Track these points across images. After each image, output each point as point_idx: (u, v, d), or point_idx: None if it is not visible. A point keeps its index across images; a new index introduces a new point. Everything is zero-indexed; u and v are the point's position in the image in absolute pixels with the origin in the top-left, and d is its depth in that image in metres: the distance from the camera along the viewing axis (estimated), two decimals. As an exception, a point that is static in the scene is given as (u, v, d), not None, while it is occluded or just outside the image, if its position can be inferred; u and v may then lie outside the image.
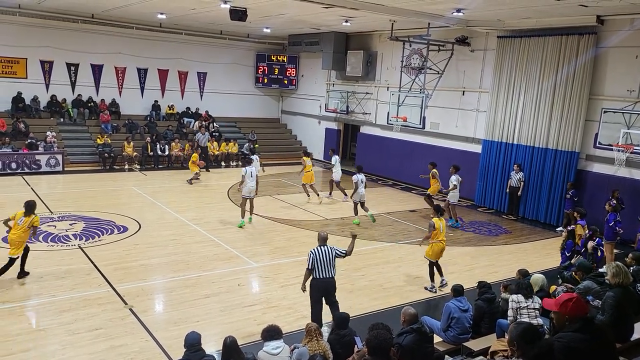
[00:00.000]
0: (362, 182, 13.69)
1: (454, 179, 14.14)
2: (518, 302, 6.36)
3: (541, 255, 12.20)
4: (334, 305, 7.60)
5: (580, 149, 14.53)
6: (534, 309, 6.34)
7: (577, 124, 14.43)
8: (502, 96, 16.21)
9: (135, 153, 20.21)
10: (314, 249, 7.55)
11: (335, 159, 16.89)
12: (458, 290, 7.03)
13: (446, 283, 9.71)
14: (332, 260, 7.51)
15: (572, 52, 14.36)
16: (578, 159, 14.58)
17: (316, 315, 7.44)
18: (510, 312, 6.35)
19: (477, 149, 17.30)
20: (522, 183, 15.42)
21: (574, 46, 14.29)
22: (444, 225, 9.81)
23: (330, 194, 17.13)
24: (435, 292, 9.62)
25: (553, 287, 7.67)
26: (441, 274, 9.85)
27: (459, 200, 14.65)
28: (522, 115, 15.75)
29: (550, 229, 14.70)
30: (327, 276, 7.47)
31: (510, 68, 15.92)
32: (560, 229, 14.37)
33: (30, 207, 9.11)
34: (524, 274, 7.64)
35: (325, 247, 7.59)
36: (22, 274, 9.08)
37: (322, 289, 7.49)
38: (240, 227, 13.00)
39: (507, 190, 15.84)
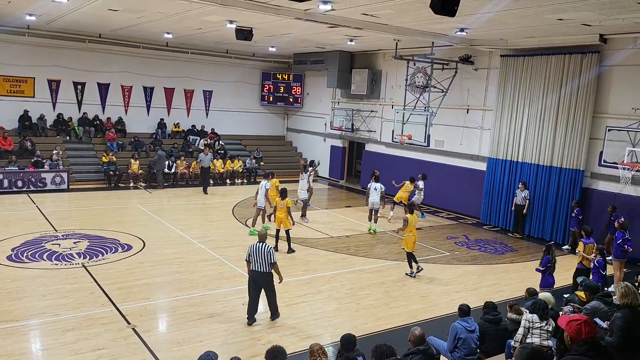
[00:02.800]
0: (374, 189, 15.21)
1: (421, 184, 16.58)
2: (532, 322, 6.26)
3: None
4: (268, 297, 8.59)
5: (585, 167, 14.48)
6: (547, 330, 6.24)
7: (581, 142, 14.42)
8: (506, 114, 16.24)
9: (140, 171, 20.30)
10: (252, 244, 8.48)
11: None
12: (464, 310, 6.93)
13: (421, 269, 11.37)
14: (265, 257, 8.33)
15: (575, 70, 14.41)
16: (583, 177, 14.52)
17: (250, 304, 8.47)
18: (520, 331, 6.26)
19: (482, 166, 17.28)
20: (527, 201, 15.36)
21: (577, 65, 14.34)
22: (416, 219, 11.70)
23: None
24: (414, 276, 11.21)
25: (566, 308, 7.57)
26: (416, 262, 11.37)
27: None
28: (527, 133, 15.75)
29: (556, 248, 14.55)
30: (258, 270, 8.37)
31: (514, 86, 15.98)
32: (566, 247, 14.27)
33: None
34: (532, 293, 7.55)
35: (262, 244, 8.43)
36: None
37: (252, 280, 8.46)
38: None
39: (513, 208, 15.78)
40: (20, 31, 19.34)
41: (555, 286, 10.86)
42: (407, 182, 16.44)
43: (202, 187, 19.87)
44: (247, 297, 8.53)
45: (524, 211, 15.43)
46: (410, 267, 11.35)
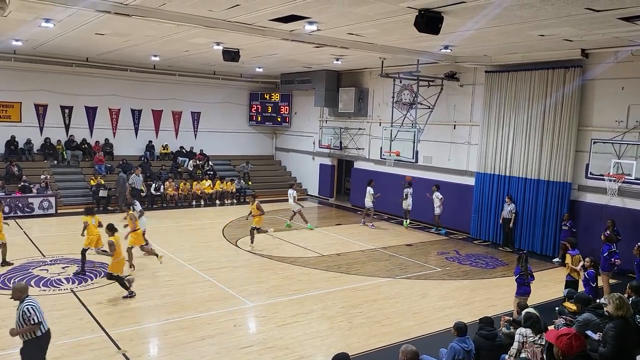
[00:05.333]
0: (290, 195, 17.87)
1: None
2: (526, 336, 6.24)
3: (539, 287, 12.02)
4: None
5: (572, 180, 14.65)
6: (541, 345, 6.22)
7: (567, 155, 14.60)
8: (492, 129, 16.44)
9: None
10: (34, 302, 6.52)
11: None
12: (462, 329, 6.59)
13: (134, 294, 10.39)
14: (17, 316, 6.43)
15: (559, 85, 14.67)
16: (571, 190, 14.68)
17: None
18: (515, 345, 6.23)
19: (471, 181, 17.41)
20: (514, 215, 15.45)
21: (561, 79, 14.61)
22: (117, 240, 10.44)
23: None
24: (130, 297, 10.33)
25: (557, 321, 7.57)
26: (128, 286, 10.43)
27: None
28: (513, 148, 15.93)
29: (546, 260, 14.65)
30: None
31: (499, 102, 16.21)
32: (557, 260, 14.34)
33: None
34: (523, 307, 7.54)
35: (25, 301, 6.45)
36: None
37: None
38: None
39: (501, 222, 15.89)
40: (6, 56, 19.31)
41: (546, 299, 10.93)
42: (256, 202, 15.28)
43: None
44: (238, 319, 8.38)
45: (511, 225, 15.52)
46: (127, 289, 10.35)
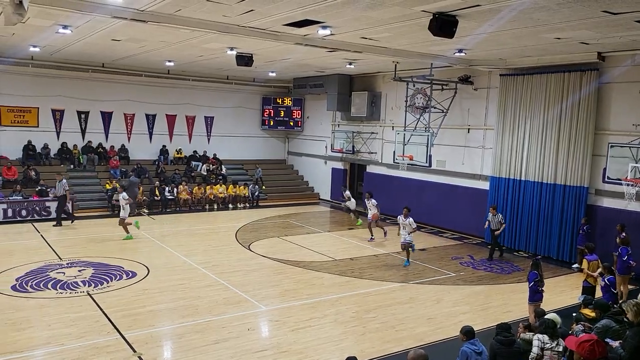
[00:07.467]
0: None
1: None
2: (543, 342, 6.16)
3: (555, 292, 11.94)
4: None
5: (589, 184, 14.46)
6: (558, 352, 6.13)
7: (584, 159, 14.42)
8: (507, 133, 16.30)
9: (143, 197, 20.33)
10: None
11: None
12: (471, 332, 6.57)
13: None
14: None
15: (575, 88, 14.51)
16: (587, 194, 14.49)
17: None
18: (534, 350, 6.14)
19: (485, 185, 17.27)
20: (502, 225, 14.92)
21: (577, 82, 14.46)
22: None
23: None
24: None
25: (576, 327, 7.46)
26: None
27: None
28: (529, 152, 15.78)
29: (563, 266, 14.47)
30: None
31: (514, 105, 16.08)
32: (576, 266, 14.14)
33: None
34: (539, 314, 7.44)
35: None
36: None
37: None
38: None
39: (496, 232, 15.00)
40: (24, 62, 19.61)
41: (564, 305, 10.78)
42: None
43: (61, 219, 17.31)
44: (252, 323, 8.40)
45: (497, 233, 14.83)
46: None
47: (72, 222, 17.52)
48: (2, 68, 19.47)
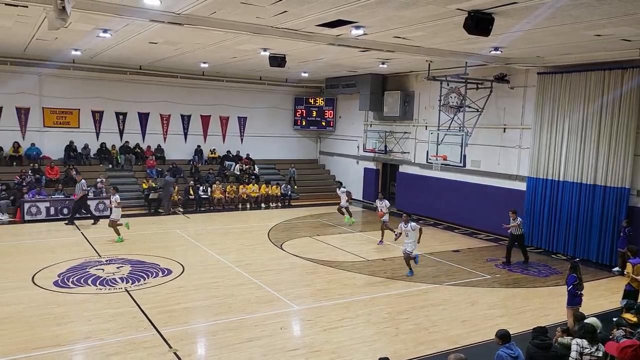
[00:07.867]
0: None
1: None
2: (582, 347, 6.01)
3: (594, 297, 11.58)
4: None
5: (630, 185, 13.97)
6: (597, 357, 5.97)
7: (625, 159, 13.95)
8: (545, 132, 15.91)
9: (178, 196, 20.74)
10: None
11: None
12: (507, 336, 6.45)
13: None
14: None
15: (616, 86, 14.05)
16: (629, 195, 14.01)
17: None
18: (573, 355, 6.00)
19: (522, 186, 16.89)
20: (521, 230, 14.26)
21: (618, 80, 13.99)
22: None
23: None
24: None
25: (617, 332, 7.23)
26: None
27: None
28: (567, 152, 15.36)
29: (603, 269, 14.02)
30: None
31: (552, 104, 15.67)
32: (616, 269, 13.69)
33: None
34: (579, 318, 7.25)
35: None
36: None
37: None
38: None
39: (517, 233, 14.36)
40: (66, 66, 20.30)
41: (602, 309, 10.46)
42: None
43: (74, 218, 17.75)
44: (285, 322, 8.46)
45: (517, 234, 14.18)
46: None
47: (94, 223, 17.67)
48: (46, 72, 20.26)
